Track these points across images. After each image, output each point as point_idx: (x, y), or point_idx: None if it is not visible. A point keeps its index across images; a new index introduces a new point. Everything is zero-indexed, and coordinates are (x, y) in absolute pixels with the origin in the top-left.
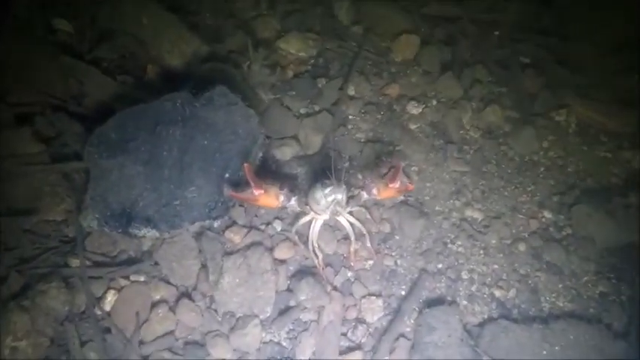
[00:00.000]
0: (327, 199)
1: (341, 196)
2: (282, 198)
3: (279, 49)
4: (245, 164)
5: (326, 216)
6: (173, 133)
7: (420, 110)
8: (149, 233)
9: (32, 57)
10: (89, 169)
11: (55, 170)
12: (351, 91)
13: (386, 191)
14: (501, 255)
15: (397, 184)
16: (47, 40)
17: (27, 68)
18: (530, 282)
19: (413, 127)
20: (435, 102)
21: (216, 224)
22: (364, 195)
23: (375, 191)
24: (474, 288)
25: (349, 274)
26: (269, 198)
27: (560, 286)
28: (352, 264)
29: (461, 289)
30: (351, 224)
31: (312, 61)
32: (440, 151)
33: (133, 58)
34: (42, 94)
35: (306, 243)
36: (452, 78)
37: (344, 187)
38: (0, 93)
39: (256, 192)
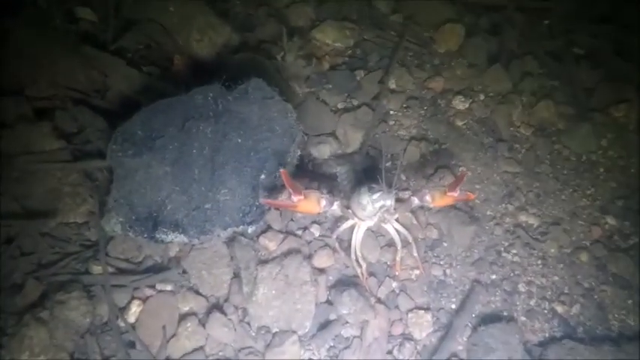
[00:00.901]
0: (375, 205)
1: (390, 202)
2: (323, 203)
3: (314, 39)
4: (282, 170)
5: (371, 222)
6: (204, 129)
7: (467, 105)
8: (177, 239)
9: (52, 47)
10: (113, 168)
11: (76, 169)
12: (392, 85)
13: (442, 199)
14: (562, 266)
15: (457, 193)
16: (68, 30)
17: (46, 59)
18: (595, 297)
19: (460, 123)
20: (482, 96)
21: (250, 230)
22: (415, 201)
23: (428, 198)
24: (532, 302)
25: (394, 284)
26: (310, 204)
27: (630, 302)
28: (397, 273)
29: (518, 303)
30: (397, 231)
31: (349, 52)
32: (489, 149)
33: (160, 49)
34: (62, 87)
35: (347, 250)
36: (500, 70)
37: (394, 192)
38: (18, 86)
39: (295, 198)
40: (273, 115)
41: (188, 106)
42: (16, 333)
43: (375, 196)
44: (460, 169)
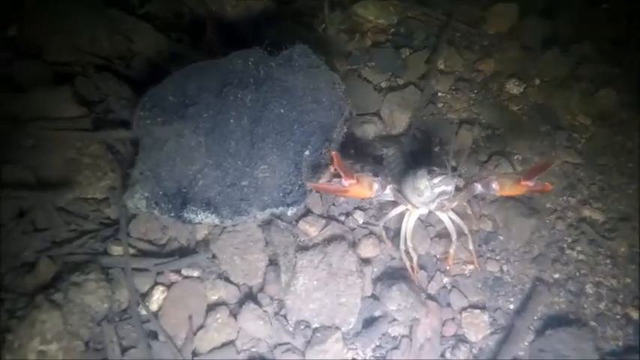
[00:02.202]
0: (434, 191)
1: (451, 188)
2: (376, 187)
3: (355, 14)
4: (333, 152)
5: (425, 210)
6: (243, 97)
7: (522, 90)
8: (207, 219)
9: (74, 9)
10: (139, 138)
11: (97, 139)
12: (441, 65)
13: (513, 189)
14: (634, 266)
15: (532, 183)
16: None
17: (68, 22)
18: None
19: (514, 108)
20: (538, 81)
21: (290, 212)
22: (478, 188)
23: (495, 186)
24: (602, 306)
25: (445, 280)
26: (362, 189)
27: None
28: (449, 268)
29: (586, 306)
30: (452, 220)
31: (393, 29)
32: (546, 137)
33: (191, 15)
34: (85, 52)
35: (393, 240)
36: (556, 55)
37: (457, 177)
38: (36, 49)
39: (347, 182)
40: (320, 85)
41: (226, 71)
42: (26, 316)
43: (436, 180)
44: (515, 157)
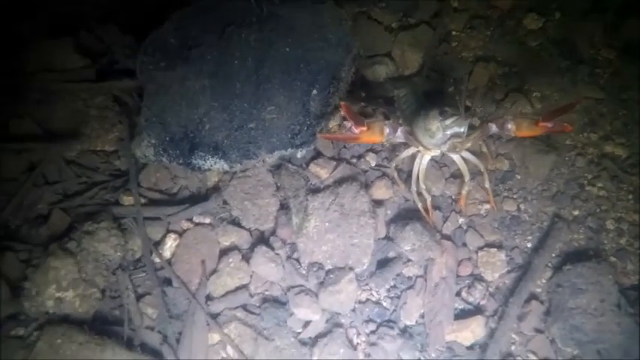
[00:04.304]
0: (446, 132)
1: (464, 129)
2: (387, 131)
3: None
4: (342, 103)
5: (437, 151)
6: (247, 37)
7: (541, 24)
8: (216, 165)
9: None
10: (143, 83)
11: (103, 90)
12: (454, 3)
13: (530, 130)
14: None
15: (551, 124)
16: None
17: None
18: None
19: (533, 44)
20: (558, 14)
21: (299, 154)
22: (492, 128)
23: (511, 126)
24: (623, 241)
25: (461, 220)
26: (373, 134)
27: None
28: (462, 209)
29: (606, 241)
30: (465, 160)
31: None
32: (567, 73)
33: None
34: (85, 2)
35: (406, 181)
36: None
37: (470, 118)
38: (37, 1)
39: (357, 130)
40: (326, 21)
41: (229, 11)
42: (41, 264)
43: (448, 121)
44: (534, 94)
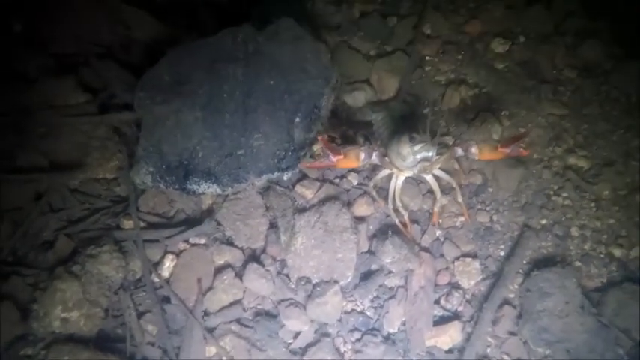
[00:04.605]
0: (416, 157)
1: (432, 154)
2: (362, 156)
3: None
4: (319, 137)
5: (410, 173)
6: (234, 72)
7: (507, 48)
8: (210, 189)
9: (74, 2)
10: (141, 117)
11: (104, 122)
12: (427, 30)
13: (491, 154)
14: (617, 208)
15: (509, 150)
16: None
17: (68, 15)
18: None
19: (500, 66)
20: (522, 39)
21: (285, 177)
22: (458, 152)
23: (474, 150)
24: (587, 246)
25: (438, 232)
26: (349, 161)
27: None
28: (435, 224)
29: (571, 247)
30: (437, 178)
31: None
32: (532, 92)
33: None
34: (86, 42)
35: (386, 199)
36: (540, 11)
37: (437, 144)
38: (41, 42)
39: (335, 159)
40: (306, 55)
41: (217, 49)
42: (48, 287)
43: (417, 147)
44: (502, 112)
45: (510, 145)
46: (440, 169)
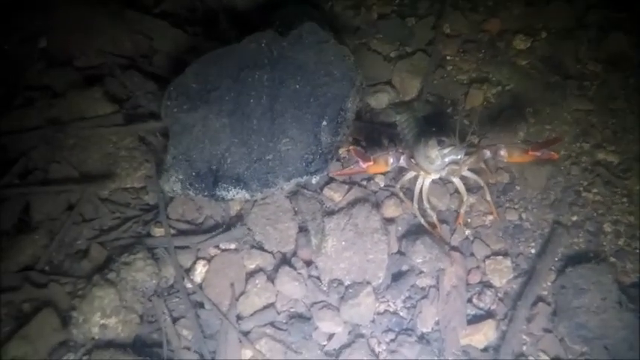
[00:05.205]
0: (444, 160)
1: (460, 156)
2: (391, 161)
3: None
4: (350, 147)
5: (437, 175)
6: (260, 77)
7: (529, 45)
8: (239, 195)
9: (96, 16)
10: (168, 126)
11: (131, 132)
12: (447, 29)
13: (520, 157)
14: None
15: (540, 153)
16: None
17: (91, 29)
18: None
19: (522, 63)
20: (544, 34)
21: (314, 180)
22: (487, 154)
23: (503, 153)
24: (621, 242)
25: (467, 231)
26: (379, 166)
27: None
28: (460, 225)
29: (605, 243)
30: (464, 177)
31: (397, 0)
32: (557, 88)
33: (204, 8)
34: (110, 54)
35: (413, 199)
36: (561, 5)
37: (465, 147)
38: (66, 57)
39: (365, 165)
40: (330, 59)
41: (242, 55)
42: (86, 294)
43: (446, 150)
44: (527, 109)
45: (541, 149)
46: (469, 169)
